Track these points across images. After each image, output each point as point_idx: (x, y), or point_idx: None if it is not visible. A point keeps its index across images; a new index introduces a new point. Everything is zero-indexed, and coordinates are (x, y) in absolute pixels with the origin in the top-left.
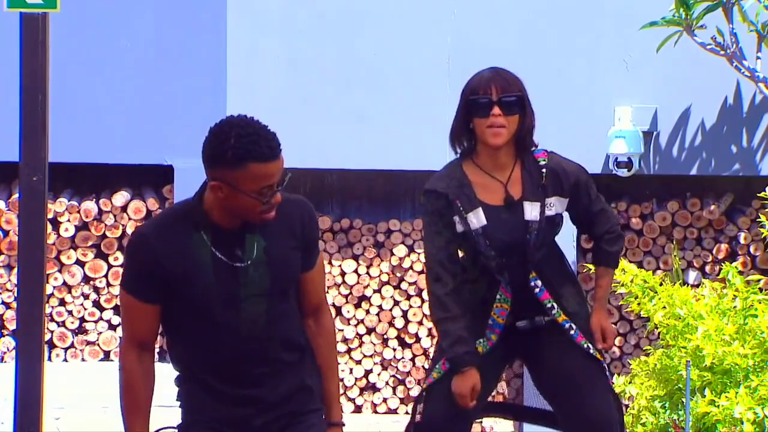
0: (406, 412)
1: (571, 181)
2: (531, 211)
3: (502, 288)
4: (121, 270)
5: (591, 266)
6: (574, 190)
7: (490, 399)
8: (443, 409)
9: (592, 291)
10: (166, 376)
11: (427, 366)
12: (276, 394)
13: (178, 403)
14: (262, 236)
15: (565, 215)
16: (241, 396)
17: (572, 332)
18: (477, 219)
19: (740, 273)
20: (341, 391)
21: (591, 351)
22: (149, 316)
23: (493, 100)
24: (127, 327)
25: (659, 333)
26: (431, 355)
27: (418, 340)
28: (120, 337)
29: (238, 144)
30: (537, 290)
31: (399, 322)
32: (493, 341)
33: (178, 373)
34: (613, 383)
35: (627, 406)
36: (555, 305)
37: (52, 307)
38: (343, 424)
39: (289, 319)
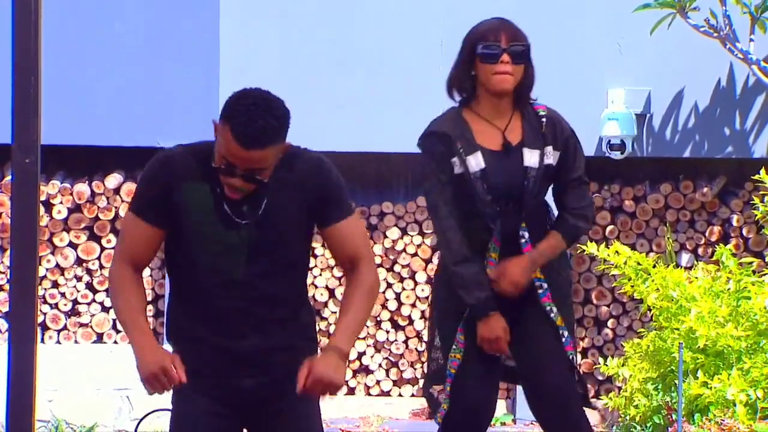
0: (399, 395)
1: (565, 135)
2: (530, 157)
3: (494, 237)
4: (113, 248)
5: (584, 247)
6: (564, 146)
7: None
8: (476, 389)
9: (584, 273)
10: None
11: (420, 348)
12: (260, 349)
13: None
14: (269, 193)
15: None
16: (227, 348)
17: (549, 308)
18: (476, 162)
19: (733, 255)
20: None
21: (560, 330)
22: (151, 239)
23: (502, 47)
24: (125, 247)
25: (652, 315)
26: (427, 337)
27: (411, 322)
28: (111, 261)
29: (238, 105)
30: (523, 240)
31: (392, 305)
32: None
33: (169, 330)
34: (576, 362)
35: (620, 389)
36: None
37: (45, 289)
38: (344, 354)
39: (284, 278)
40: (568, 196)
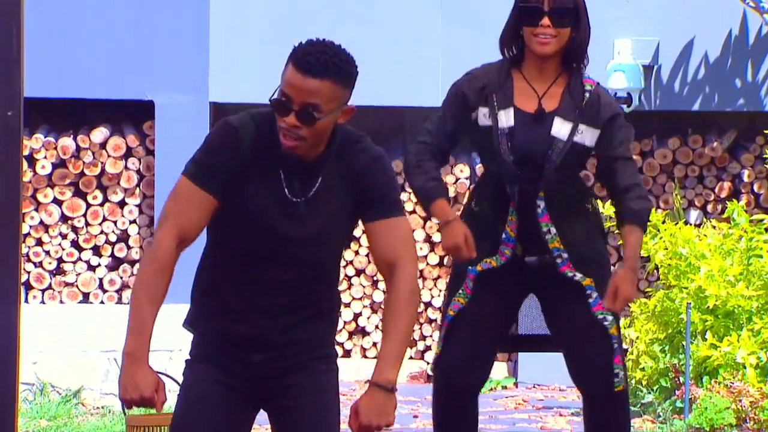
0: None
1: (609, 114)
2: (560, 128)
3: (512, 202)
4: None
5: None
6: (609, 125)
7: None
8: (468, 343)
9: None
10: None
11: (419, 308)
12: (277, 330)
13: (190, 331)
14: (323, 174)
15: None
16: (247, 324)
17: (571, 275)
18: (506, 118)
19: (744, 212)
20: None
21: (587, 290)
22: (206, 209)
23: (543, 10)
24: (174, 215)
25: (660, 274)
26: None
27: None
28: (152, 233)
29: (305, 43)
30: (539, 210)
31: None
32: (507, 256)
33: (195, 290)
34: (606, 320)
35: (626, 350)
36: (552, 230)
37: (29, 247)
38: (390, 389)
39: (318, 264)
40: (618, 176)
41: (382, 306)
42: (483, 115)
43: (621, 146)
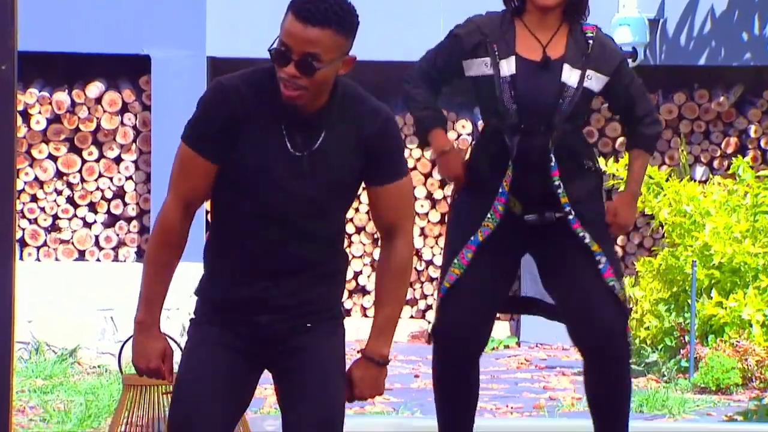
0: None
1: (616, 61)
2: (569, 75)
3: (511, 156)
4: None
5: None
6: (617, 72)
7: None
8: (466, 310)
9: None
10: None
11: (420, 267)
12: (285, 291)
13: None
14: (327, 128)
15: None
16: (256, 286)
17: (582, 235)
18: (508, 67)
19: (750, 168)
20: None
21: (596, 256)
22: (207, 175)
23: None
24: (178, 185)
25: (664, 231)
26: (426, 257)
27: None
28: (165, 197)
29: None
30: (551, 163)
31: None
32: (500, 212)
33: (205, 256)
34: (616, 289)
35: (630, 310)
36: (562, 185)
37: (23, 203)
38: (380, 362)
39: (323, 220)
40: (637, 106)
41: (379, 271)
42: (484, 65)
43: (633, 82)
